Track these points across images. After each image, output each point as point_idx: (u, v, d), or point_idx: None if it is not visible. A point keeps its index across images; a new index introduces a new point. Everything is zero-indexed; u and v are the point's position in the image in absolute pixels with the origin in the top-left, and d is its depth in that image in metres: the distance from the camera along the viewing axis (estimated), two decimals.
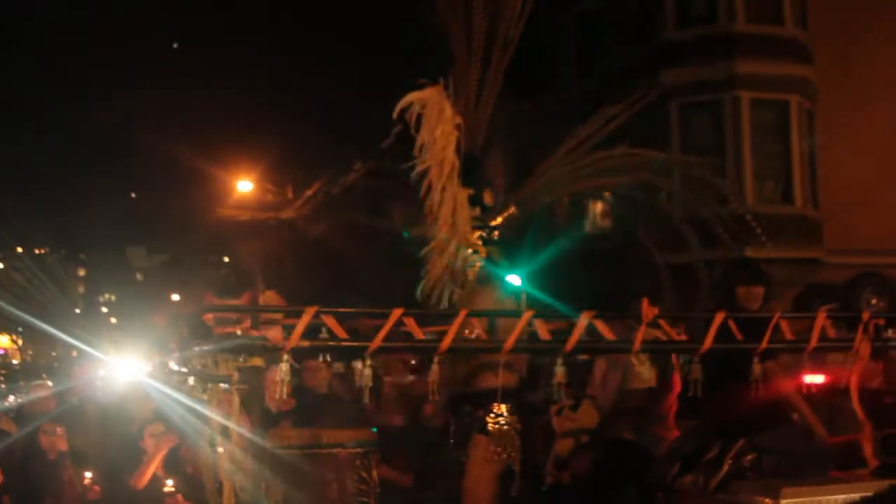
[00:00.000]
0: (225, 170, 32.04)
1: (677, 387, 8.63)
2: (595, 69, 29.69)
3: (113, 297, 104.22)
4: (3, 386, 23.70)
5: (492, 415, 7.81)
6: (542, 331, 6.58)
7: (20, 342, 66.25)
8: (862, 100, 26.66)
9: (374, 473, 7.39)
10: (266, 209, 31.61)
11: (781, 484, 6.81)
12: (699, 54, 26.53)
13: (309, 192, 30.73)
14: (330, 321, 6.11)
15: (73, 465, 9.83)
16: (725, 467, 7.13)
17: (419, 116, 8.25)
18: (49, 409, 10.83)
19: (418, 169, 8.26)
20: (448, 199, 8.25)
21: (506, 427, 7.82)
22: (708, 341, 6.63)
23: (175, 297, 65.90)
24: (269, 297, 12.97)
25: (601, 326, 6.57)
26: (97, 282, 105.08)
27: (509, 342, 6.44)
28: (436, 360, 6.19)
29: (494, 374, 7.65)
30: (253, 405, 6.52)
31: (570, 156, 9.03)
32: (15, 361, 52.40)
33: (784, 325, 6.94)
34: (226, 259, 44.04)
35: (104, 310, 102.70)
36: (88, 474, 9.65)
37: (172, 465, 9.75)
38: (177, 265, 56.95)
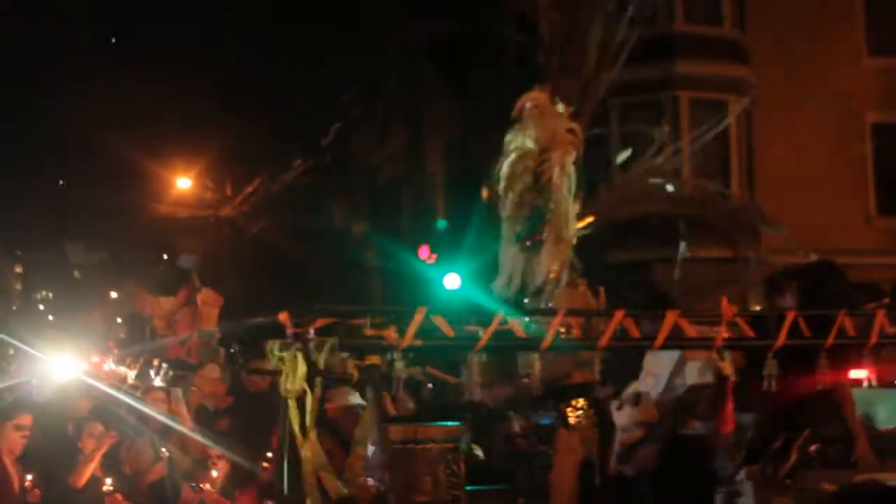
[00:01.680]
0: (164, 166, 31.84)
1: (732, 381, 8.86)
2: (531, 69, 29.84)
3: (50, 295, 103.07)
4: None
5: (571, 408, 8.33)
6: (633, 329, 6.75)
7: None
8: (801, 100, 26.97)
9: (462, 466, 7.67)
10: (205, 206, 31.52)
11: (853, 472, 7.10)
12: (639, 54, 26.67)
13: (248, 190, 30.64)
14: (440, 321, 6.35)
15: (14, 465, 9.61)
16: (794, 456, 7.33)
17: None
18: None
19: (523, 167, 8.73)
20: (568, 201, 8.71)
21: (584, 420, 8.37)
22: (781, 338, 6.81)
23: (113, 295, 65.23)
24: (205, 295, 12.92)
25: (685, 325, 6.74)
26: (34, 279, 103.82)
27: (604, 339, 6.65)
28: (538, 357, 6.56)
29: (580, 370, 8.24)
30: (372, 403, 6.79)
31: (644, 177, 9.47)
32: None
33: (847, 322, 7.10)
34: (165, 256, 43.75)
35: (41, 307, 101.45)
36: (29, 476, 9.46)
37: (110, 464, 9.68)
38: (116, 262, 56.36)
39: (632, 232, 21.95)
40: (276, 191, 28.76)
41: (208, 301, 11.73)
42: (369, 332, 6.17)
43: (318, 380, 6.46)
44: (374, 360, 6.27)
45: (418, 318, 6.19)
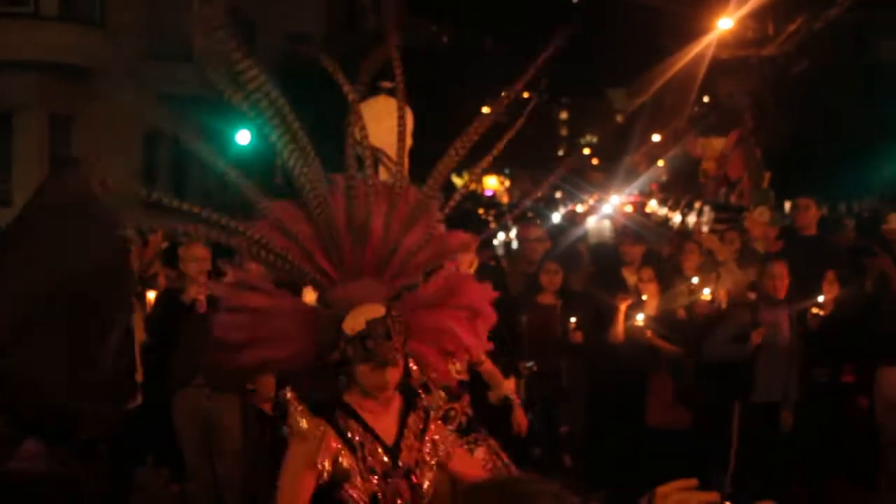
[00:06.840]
0: (705, 7, 31.56)
1: None
2: None
3: (594, 139, 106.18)
4: (493, 225, 24.56)
5: None
6: None
7: (507, 183, 68.92)
8: None
9: None
10: (746, 46, 31.02)
11: None
12: None
13: (791, 28, 29.80)
14: None
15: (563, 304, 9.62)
16: None
17: None
18: (543, 249, 10.55)
19: None
20: None
21: None
22: None
23: (655, 138, 66.06)
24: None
25: None
26: (579, 124, 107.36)
27: None
28: None
29: None
30: None
31: None
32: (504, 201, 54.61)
33: None
34: (706, 98, 43.58)
35: (586, 151, 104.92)
36: (573, 318, 9.37)
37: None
38: (657, 106, 56.91)
39: None
40: (819, 28, 27.67)
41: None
42: None
43: None
44: None
45: None
